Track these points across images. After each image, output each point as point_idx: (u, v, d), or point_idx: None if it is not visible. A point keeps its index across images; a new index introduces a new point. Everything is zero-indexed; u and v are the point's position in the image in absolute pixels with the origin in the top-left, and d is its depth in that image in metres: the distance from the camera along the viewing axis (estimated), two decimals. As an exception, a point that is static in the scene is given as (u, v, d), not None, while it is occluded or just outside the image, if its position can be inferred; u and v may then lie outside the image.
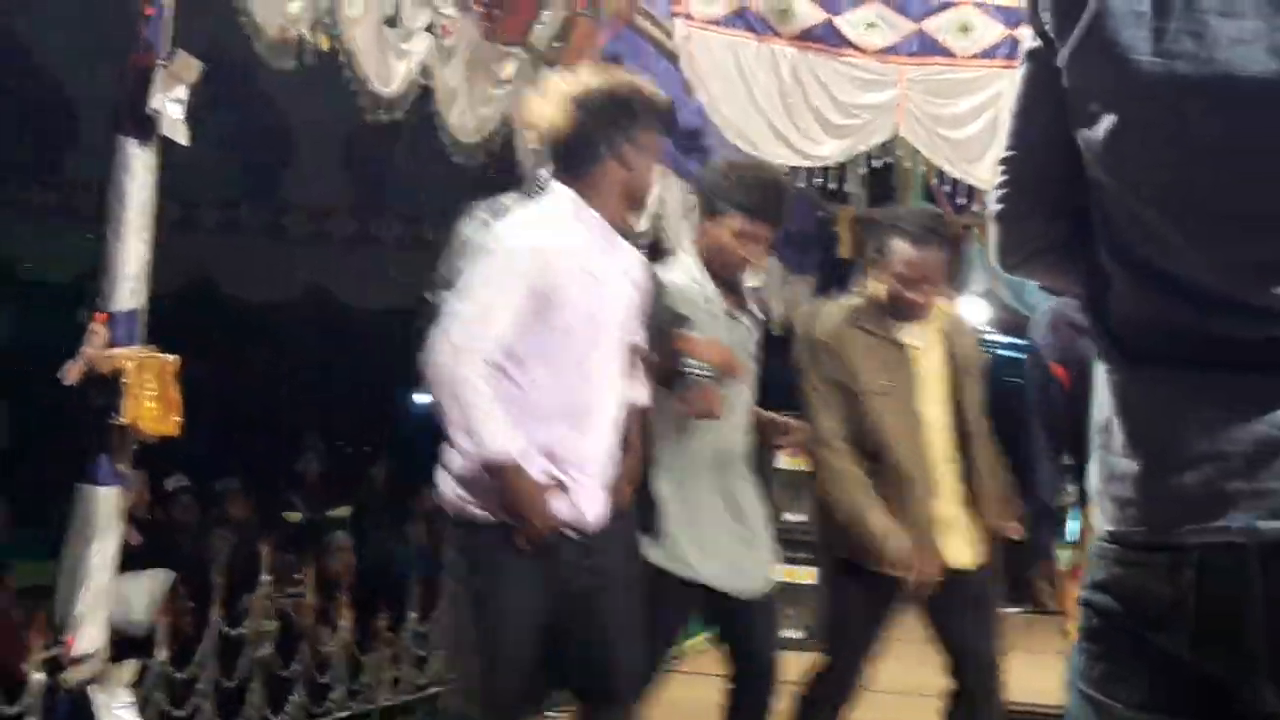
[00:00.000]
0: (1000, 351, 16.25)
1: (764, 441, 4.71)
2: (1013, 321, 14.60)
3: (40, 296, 11.59)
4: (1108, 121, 1.82)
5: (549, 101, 3.80)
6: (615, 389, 3.80)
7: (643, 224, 4.99)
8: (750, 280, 9.26)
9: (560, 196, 3.77)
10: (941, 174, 8.40)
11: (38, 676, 4.02)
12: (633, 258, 3.92)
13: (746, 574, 4.47)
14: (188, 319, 9.10)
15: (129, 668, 4.29)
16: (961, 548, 4.69)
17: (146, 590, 5.02)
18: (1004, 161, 2.04)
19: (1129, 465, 1.86)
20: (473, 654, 3.62)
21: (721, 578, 4.41)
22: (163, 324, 4.36)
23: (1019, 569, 12.78)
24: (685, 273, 4.55)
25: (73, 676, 4.07)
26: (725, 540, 4.44)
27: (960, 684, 4.68)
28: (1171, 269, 1.81)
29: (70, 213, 10.43)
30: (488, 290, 3.59)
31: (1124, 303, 1.87)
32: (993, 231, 2.05)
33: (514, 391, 3.60)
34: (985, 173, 7.47)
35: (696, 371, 4.28)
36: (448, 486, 3.69)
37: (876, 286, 4.68)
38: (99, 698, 4.10)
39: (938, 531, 4.64)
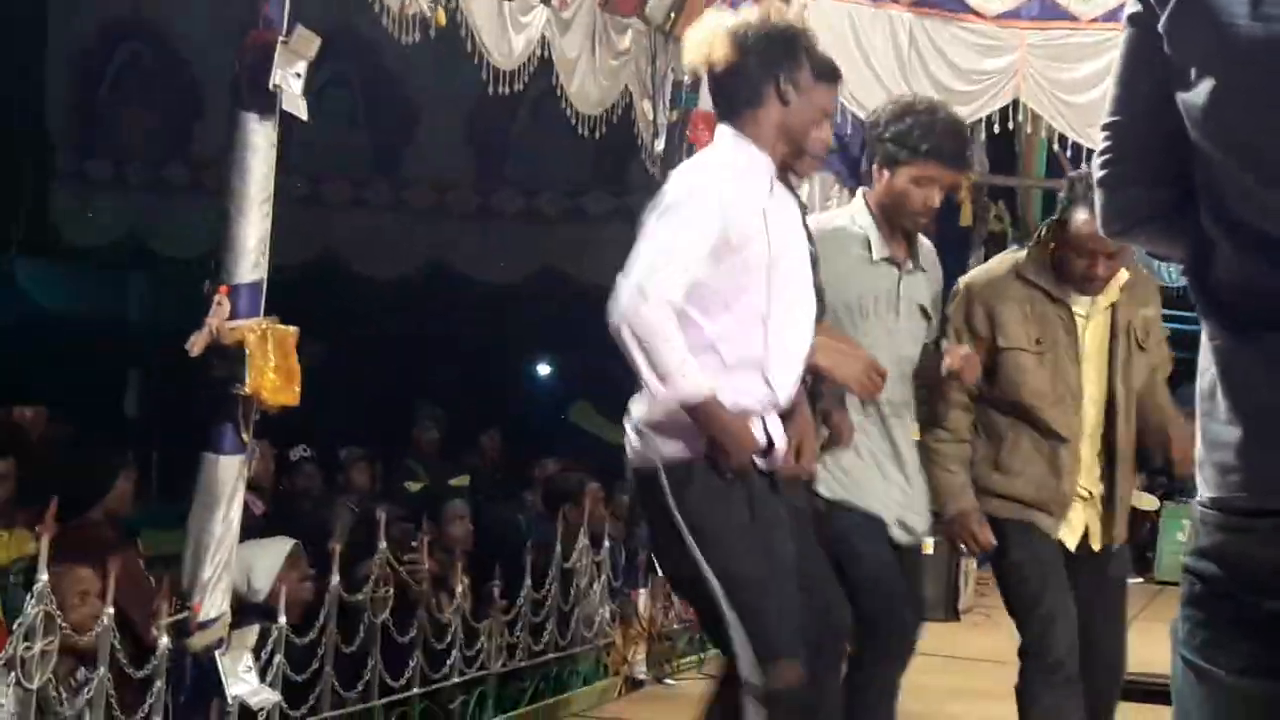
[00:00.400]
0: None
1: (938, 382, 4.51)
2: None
3: (170, 270, 11.82)
4: (1207, 85, 1.80)
5: (710, 38, 3.75)
6: (798, 334, 3.76)
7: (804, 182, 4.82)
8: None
9: (730, 139, 3.75)
10: (1064, 139, 8.29)
11: (164, 641, 4.12)
12: (794, 205, 3.88)
13: (906, 523, 4.37)
14: (311, 291, 9.26)
15: (252, 633, 4.39)
16: (1098, 524, 4.55)
17: (269, 557, 5.13)
18: (1106, 128, 2.03)
19: (1232, 432, 1.85)
20: (735, 589, 3.57)
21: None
22: (287, 296, 4.44)
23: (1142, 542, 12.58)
24: (842, 216, 4.45)
25: (199, 641, 4.17)
26: (889, 488, 4.34)
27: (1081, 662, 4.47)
28: (1273, 232, 1.79)
29: (198, 188, 10.62)
30: (672, 237, 3.58)
31: (1227, 268, 1.86)
32: (1097, 198, 2.04)
33: (699, 338, 3.58)
34: (1107, 137, 7.38)
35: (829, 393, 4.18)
36: (645, 438, 3.65)
37: (1052, 247, 4.48)
38: (224, 662, 4.20)
39: (1072, 503, 4.50)
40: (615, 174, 10.16)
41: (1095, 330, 4.52)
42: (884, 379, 4.10)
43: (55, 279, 12.93)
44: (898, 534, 4.36)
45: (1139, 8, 1.94)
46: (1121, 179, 2.01)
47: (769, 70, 3.71)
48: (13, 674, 3.73)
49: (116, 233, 11.34)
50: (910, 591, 4.47)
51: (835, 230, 4.33)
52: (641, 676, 6.66)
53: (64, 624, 3.88)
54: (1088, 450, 4.52)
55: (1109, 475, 4.54)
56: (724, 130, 3.77)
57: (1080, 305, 4.51)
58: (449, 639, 5.47)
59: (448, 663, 5.45)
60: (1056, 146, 9.18)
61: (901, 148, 4.28)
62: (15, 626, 3.73)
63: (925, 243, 4.55)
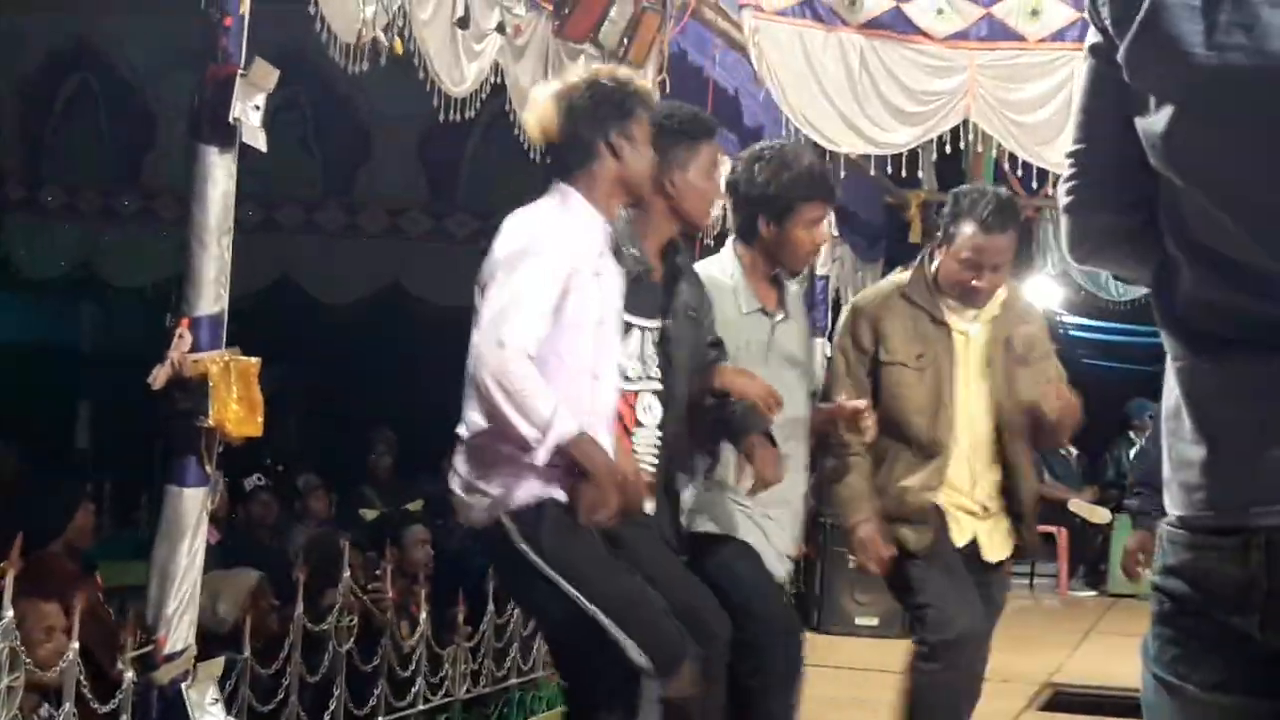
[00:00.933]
0: (1074, 333, 16.20)
1: (832, 431, 4.64)
2: (1086, 304, 14.54)
3: (122, 300, 11.76)
4: (1165, 113, 1.84)
5: (539, 112, 3.87)
6: (614, 389, 3.86)
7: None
8: (821, 268, 9.25)
9: (562, 195, 3.83)
10: (1013, 158, 8.37)
11: (130, 675, 4.10)
12: (619, 271, 3.92)
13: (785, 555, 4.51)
14: (267, 317, 9.22)
15: (218, 665, 4.37)
16: (989, 541, 4.67)
17: (234, 588, 5.12)
18: (1071, 155, 2.08)
19: (1196, 451, 1.89)
20: (618, 612, 3.63)
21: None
22: (243, 324, 4.43)
23: (1094, 556, 12.67)
24: (714, 266, 4.55)
25: (164, 674, 4.15)
26: (767, 524, 4.43)
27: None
28: (1233, 255, 1.83)
29: (150, 216, 10.57)
30: (523, 285, 3.64)
31: (1189, 289, 1.90)
32: (1064, 223, 2.09)
33: None
34: (1057, 156, 7.44)
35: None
36: (481, 494, 3.69)
37: (935, 265, 4.63)
38: (190, 695, 4.18)
39: (966, 518, 4.64)
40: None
41: (977, 348, 4.65)
42: (780, 405, 4.20)
43: (4, 309, 12.84)
44: (777, 568, 4.47)
45: (1099, 38, 1.98)
46: (1086, 204, 2.06)
47: (598, 128, 3.82)
48: (-22, 711, 3.72)
49: (68, 262, 11.27)
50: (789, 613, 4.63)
51: (709, 280, 4.44)
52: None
53: (28, 660, 3.87)
54: (981, 464, 4.64)
55: (1008, 487, 4.67)
56: (560, 188, 3.86)
57: (961, 323, 4.65)
58: (413, 666, 5.46)
59: (412, 690, 5.45)
60: (1007, 166, 9.29)
61: (787, 198, 4.41)
62: (-20, 663, 3.71)
63: (792, 288, 4.71)
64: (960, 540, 4.66)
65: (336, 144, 10.45)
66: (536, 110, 3.88)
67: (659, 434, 4.08)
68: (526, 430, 3.54)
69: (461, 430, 3.74)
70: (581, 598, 3.62)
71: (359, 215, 10.73)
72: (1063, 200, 2.08)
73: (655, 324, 4.12)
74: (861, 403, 4.46)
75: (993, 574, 4.73)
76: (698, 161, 4.18)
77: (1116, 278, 3.15)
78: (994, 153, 9.90)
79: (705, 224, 4.30)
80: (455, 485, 3.77)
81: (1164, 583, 1.97)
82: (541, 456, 3.57)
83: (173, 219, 10.45)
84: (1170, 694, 1.97)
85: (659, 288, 4.14)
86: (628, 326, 4.02)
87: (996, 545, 4.69)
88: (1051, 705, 7.48)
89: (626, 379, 4.03)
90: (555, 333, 3.67)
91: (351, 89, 9.66)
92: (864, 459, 4.62)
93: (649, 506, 4.03)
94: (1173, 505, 1.95)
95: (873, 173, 8.57)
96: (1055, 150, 7.39)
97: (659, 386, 4.10)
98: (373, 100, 9.90)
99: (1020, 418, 4.62)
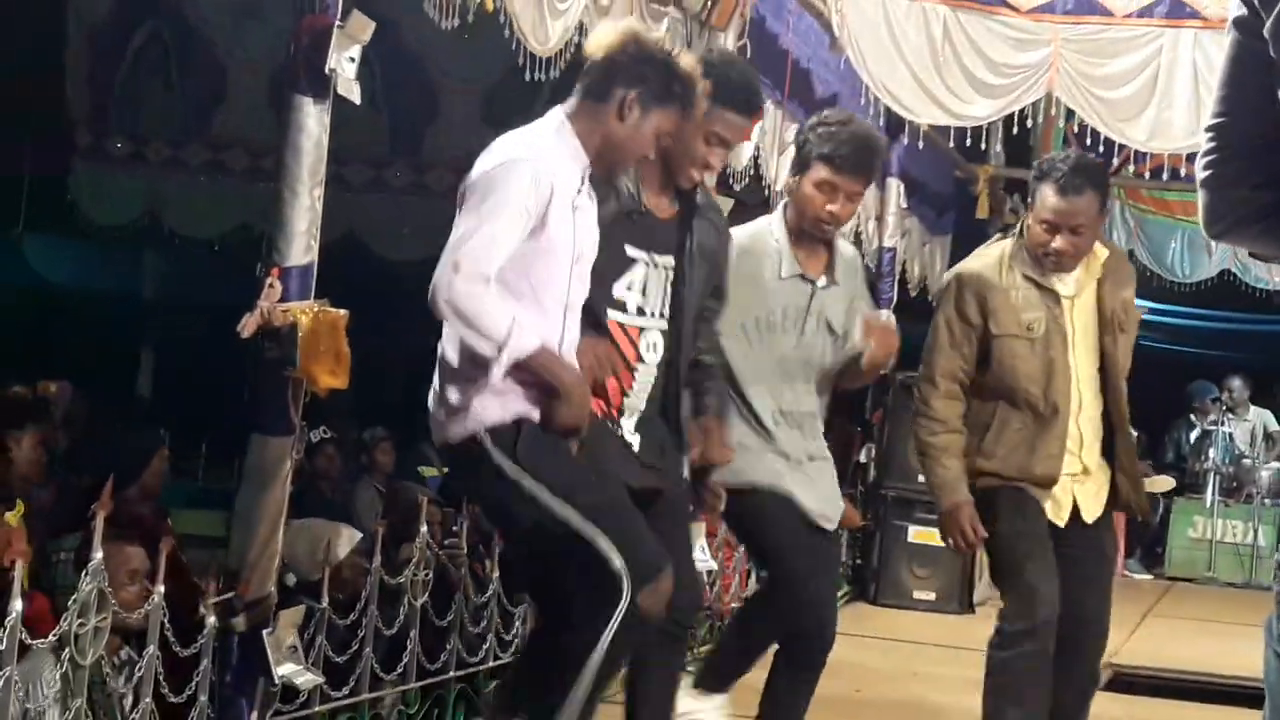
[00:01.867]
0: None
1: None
2: (1152, 283, 14.43)
3: (187, 252, 11.82)
4: None
5: (613, 28, 3.87)
6: (577, 325, 3.83)
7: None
8: (889, 240, 9.20)
9: (557, 123, 3.80)
10: (1082, 133, 8.30)
11: (211, 620, 4.14)
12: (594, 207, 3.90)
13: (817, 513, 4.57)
14: (334, 273, 9.23)
15: (298, 613, 4.40)
16: (1089, 501, 4.73)
17: (308, 539, 5.16)
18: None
19: None
20: (600, 518, 3.62)
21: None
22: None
23: (1151, 538, 12.53)
24: (761, 229, 4.59)
25: (245, 621, 4.18)
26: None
27: (1062, 637, 4.62)
28: None
29: (218, 169, 10.61)
30: (491, 211, 3.63)
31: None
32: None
33: None
34: (1140, 133, 7.39)
35: None
36: (458, 413, 3.71)
37: (1029, 233, 4.67)
38: (270, 642, 4.21)
39: (1069, 482, 4.68)
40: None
41: (1082, 311, 4.69)
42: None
43: (70, 256, 12.94)
44: (817, 518, 4.54)
45: (1243, 11, 1.96)
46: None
47: (627, 81, 3.78)
48: (66, 650, 3.75)
49: (133, 211, 11.33)
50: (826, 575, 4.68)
51: (754, 242, 4.52)
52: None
53: (114, 602, 3.91)
54: (1086, 428, 4.69)
55: (1109, 448, 4.73)
56: (555, 112, 3.83)
57: (1065, 286, 4.67)
58: (484, 622, 5.49)
59: (484, 647, 5.47)
60: (1074, 136, 9.20)
61: (805, 153, 4.48)
62: (70, 603, 3.75)
63: (847, 252, 4.74)
64: (1065, 511, 4.71)
65: (405, 103, 10.45)
66: (610, 28, 3.88)
67: (657, 373, 4.08)
68: (483, 348, 3.59)
69: (440, 350, 3.77)
70: (561, 503, 3.63)
71: (426, 174, 10.74)
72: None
73: (666, 260, 4.10)
74: (884, 316, 4.45)
75: (1095, 533, 4.76)
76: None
77: (1252, 254, 3.13)
78: (1063, 125, 9.84)
79: (685, 181, 4.19)
80: (433, 403, 3.79)
81: (1290, 560, 1.96)
82: (498, 372, 3.59)
83: (241, 171, 10.51)
84: (1295, 673, 1.96)
85: (672, 225, 4.13)
86: (631, 261, 4.03)
87: (1092, 505, 4.74)
88: (1111, 685, 7.46)
89: (629, 313, 4.05)
90: (530, 260, 3.67)
91: (419, 46, 9.68)
92: (961, 435, 4.68)
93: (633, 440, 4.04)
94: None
95: (950, 144, 8.49)
96: (1138, 127, 7.33)
97: (665, 325, 4.09)
98: (440, 60, 9.90)
99: (1123, 380, 4.69)
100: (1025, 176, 11.13)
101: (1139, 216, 13.10)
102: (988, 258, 4.78)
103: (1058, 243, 4.57)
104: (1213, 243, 13.33)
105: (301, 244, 4.22)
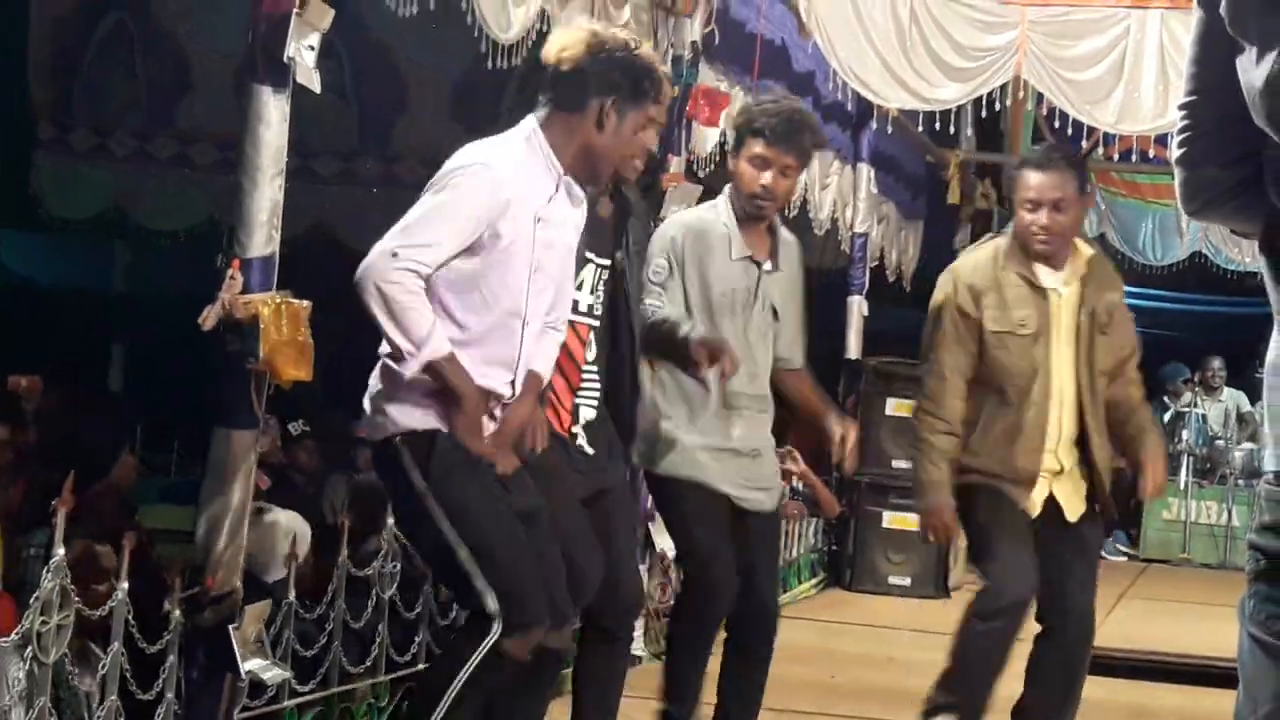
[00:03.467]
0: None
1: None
2: (1124, 268, 14.46)
3: (155, 245, 11.74)
4: (1265, 67, 1.81)
5: (573, 33, 3.82)
6: (550, 344, 3.83)
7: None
8: (860, 225, 9.21)
9: (529, 132, 3.76)
10: (1052, 117, 8.30)
11: (177, 615, 4.10)
12: (579, 213, 3.89)
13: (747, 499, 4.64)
14: (297, 264, 9.17)
15: (264, 608, 4.37)
16: (1069, 498, 4.84)
17: (279, 532, 5.12)
18: (1183, 106, 2.05)
19: None
20: (485, 557, 3.62)
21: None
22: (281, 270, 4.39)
23: (1126, 520, 12.58)
24: (708, 214, 4.69)
25: (211, 616, 4.14)
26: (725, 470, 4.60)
27: (1048, 627, 4.84)
28: None
29: (184, 161, 10.54)
30: (439, 209, 3.61)
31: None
32: (1176, 176, 2.07)
33: (455, 333, 3.63)
34: (1109, 115, 7.39)
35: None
36: (384, 412, 3.69)
37: (1017, 222, 4.81)
38: (236, 637, 4.17)
39: (1047, 478, 4.79)
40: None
41: (1068, 309, 4.81)
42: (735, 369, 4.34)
43: (36, 250, 12.84)
44: (746, 502, 4.62)
45: (1207, -10, 1.95)
46: (1196, 157, 2.03)
47: (601, 89, 3.74)
48: (29, 649, 3.71)
49: (99, 204, 11.26)
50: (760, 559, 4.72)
51: (703, 225, 4.63)
52: (639, 653, 6.65)
53: (78, 599, 3.86)
54: (1066, 426, 4.80)
55: (1084, 448, 4.82)
56: (529, 121, 3.78)
57: (1055, 283, 4.80)
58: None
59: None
60: (1045, 121, 9.20)
61: (740, 132, 4.62)
62: (32, 600, 3.70)
63: (788, 238, 4.82)
64: (1039, 499, 4.81)
65: (374, 94, 10.40)
66: (569, 35, 3.83)
67: (597, 369, 4.13)
68: (400, 341, 3.54)
69: (381, 348, 3.73)
70: (451, 532, 3.62)
71: (395, 165, 10.69)
72: (1174, 154, 2.06)
73: (604, 260, 4.16)
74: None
75: (1078, 529, 4.86)
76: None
77: (1234, 232, 3.11)
78: (1031, 109, 9.84)
79: (626, 175, 4.22)
80: (365, 399, 3.77)
81: (1260, 540, 1.95)
82: (412, 368, 3.55)
83: (207, 164, 10.44)
84: (1265, 652, 1.94)
85: (608, 225, 4.17)
86: (585, 261, 4.06)
87: (1075, 504, 4.85)
88: (1089, 669, 7.46)
89: (580, 313, 4.08)
90: (484, 268, 3.64)
91: (388, 37, 9.63)
92: (958, 440, 4.80)
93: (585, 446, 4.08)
94: (1273, 461, 1.92)
95: (920, 129, 8.48)
96: (1106, 109, 7.33)
97: (597, 323, 4.15)
98: (409, 50, 9.85)
99: (1099, 381, 4.80)
100: (996, 161, 11.22)
101: (1110, 200, 13.12)
102: (981, 256, 4.92)
103: (1043, 218, 4.70)
104: (1185, 225, 13.42)
105: (263, 235, 4.18)
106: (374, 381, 3.76)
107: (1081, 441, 4.82)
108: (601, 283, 4.17)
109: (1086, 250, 4.90)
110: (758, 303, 4.62)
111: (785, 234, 4.79)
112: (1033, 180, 4.73)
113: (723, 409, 4.57)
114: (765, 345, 4.67)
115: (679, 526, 4.68)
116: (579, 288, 4.06)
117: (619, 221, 4.22)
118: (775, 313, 4.68)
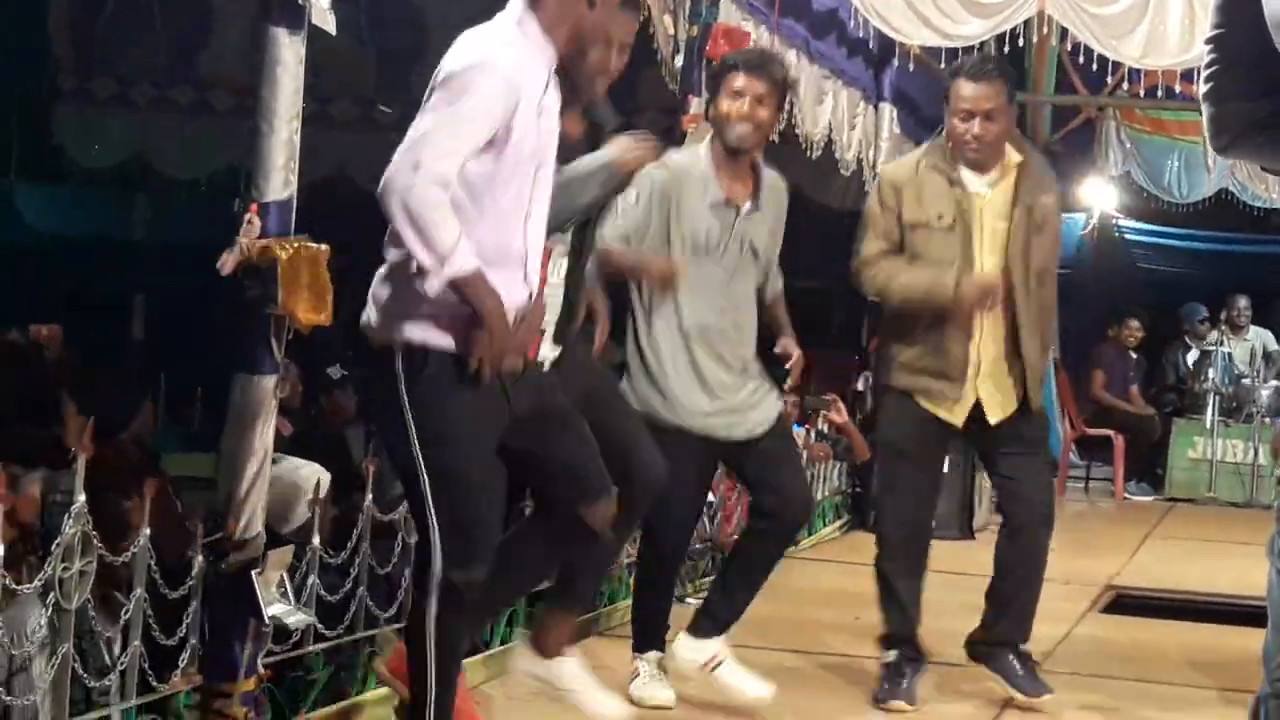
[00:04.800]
0: (1131, 236, 16.01)
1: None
2: (1147, 207, 14.35)
3: (176, 193, 11.74)
4: None
5: None
6: (542, 233, 3.76)
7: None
8: (883, 164, 9.18)
9: (519, 16, 3.66)
10: (1078, 50, 8.21)
11: (199, 560, 4.09)
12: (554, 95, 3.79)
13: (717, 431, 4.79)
14: (317, 210, 9.15)
15: (287, 553, 4.36)
16: (992, 400, 5.01)
17: (302, 478, 5.11)
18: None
19: None
20: (444, 489, 3.60)
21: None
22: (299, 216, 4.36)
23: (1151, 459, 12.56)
24: (689, 157, 4.82)
25: (234, 561, 4.14)
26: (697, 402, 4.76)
27: (1007, 518, 5.15)
28: None
29: (204, 109, 10.53)
30: (455, 113, 3.52)
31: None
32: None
33: (466, 230, 3.53)
34: (1134, 50, 7.31)
35: None
36: (387, 317, 3.63)
37: (949, 130, 4.96)
38: (259, 582, 4.17)
39: (971, 377, 4.98)
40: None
41: (992, 210, 4.97)
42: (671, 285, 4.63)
43: (59, 202, 12.85)
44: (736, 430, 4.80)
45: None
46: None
47: None
48: (51, 595, 3.71)
49: (121, 154, 11.25)
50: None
51: (682, 167, 4.77)
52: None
53: (100, 545, 3.86)
54: (990, 325, 4.99)
55: (1012, 343, 5.00)
56: (520, 7, 3.68)
57: (977, 185, 4.97)
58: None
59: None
60: (1069, 55, 9.11)
61: (715, 74, 4.85)
62: (54, 546, 3.70)
63: (772, 178, 4.91)
64: (965, 409, 5.00)
65: (391, 38, 10.35)
66: None
67: (562, 289, 4.09)
68: (424, 257, 3.44)
69: (389, 254, 3.66)
70: (420, 457, 3.59)
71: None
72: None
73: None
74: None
75: (1014, 426, 5.04)
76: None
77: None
78: (1055, 45, 9.75)
79: (603, 85, 4.19)
80: (371, 300, 3.68)
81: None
82: (435, 286, 3.46)
83: (227, 111, 10.42)
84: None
85: (579, 146, 4.10)
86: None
87: (997, 406, 5.02)
88: (1113, 607, 7.45)
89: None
90: (494, 169, 3.56)
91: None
92: (900, 259, 4.99)
93: (547, 354, 4.01)
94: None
95: (942, 67, 8.39)
96: (1131, 44, 7.25)
97: (567, 244, 4.12)
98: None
99: (1033, 279, 4.98)
100: (1020, 100, 11.10)
101: (1135, 137, 13.00)
102: (907, 158, 5.18)
103: (975, 128, 4.86)
104: (1211, 161, 13.29)
105: (279, 179, 4.15)
106: (376, 287, 3.67)
107: (1013, 337, 4.98)
108: None
109: (1016, 155, 5.02)
110: (733, 244, 4.76)
111: (769, 173, 4.88)
112: (966, 90, 4.89)
113: (695, 341, 4.73)
114: (744, 281, 4.81)
115: None
116: None
117: (591, 140, 4.15)
118: (756, 253, 4.82)
